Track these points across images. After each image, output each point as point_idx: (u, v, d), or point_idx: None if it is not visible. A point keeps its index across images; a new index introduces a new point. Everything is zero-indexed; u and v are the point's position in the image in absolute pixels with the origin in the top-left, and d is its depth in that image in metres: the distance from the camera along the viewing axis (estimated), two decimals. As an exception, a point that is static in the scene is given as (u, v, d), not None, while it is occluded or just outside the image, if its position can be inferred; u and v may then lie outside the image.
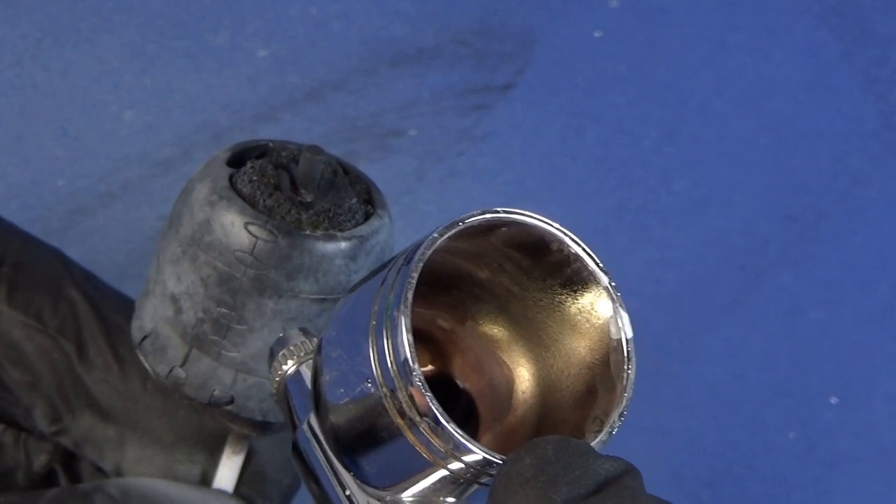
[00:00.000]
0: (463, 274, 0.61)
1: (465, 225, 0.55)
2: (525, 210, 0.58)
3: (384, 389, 0.52)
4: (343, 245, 0.73)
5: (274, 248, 0.73)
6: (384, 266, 0.58)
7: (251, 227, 0.72)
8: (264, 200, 0.74)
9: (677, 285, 1.22)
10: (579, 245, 0.58)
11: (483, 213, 0.56)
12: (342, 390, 0.57)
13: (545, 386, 0.61)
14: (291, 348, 0.67)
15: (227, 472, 0.81)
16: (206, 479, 0.82)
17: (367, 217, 0.76)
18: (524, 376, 0.62)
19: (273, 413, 0.77)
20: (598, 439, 0.54)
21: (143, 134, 1.23)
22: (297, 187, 0.75)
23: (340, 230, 0.74)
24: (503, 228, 0.57)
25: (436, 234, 0.55)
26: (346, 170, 0.79)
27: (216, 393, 0.76)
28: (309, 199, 0.75)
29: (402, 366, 0.52)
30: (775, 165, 1.28)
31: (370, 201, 0.78)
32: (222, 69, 1.27)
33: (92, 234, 1.16)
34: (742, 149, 1.28)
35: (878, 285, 1.24)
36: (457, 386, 0.62)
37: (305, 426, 0.63)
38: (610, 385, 0.56)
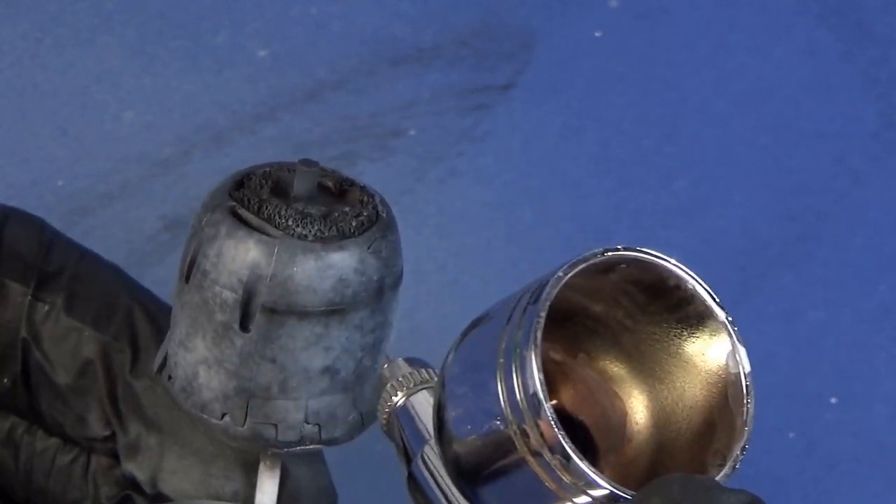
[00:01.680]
0: (577, 307, 0.62)
1: (588, 263, 0.56)
2: (645, 248, 0.58)
3: (514, 427, 0.53)
4: (351, 253, 0.74)
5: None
6: (504, 304, 0.59)
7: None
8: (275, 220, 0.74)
9: (677, 285, 1.22)
10: (697, 281, 0.59)
11: (605, 252, 0.57)
12: (469, 427, 0.58)
13: (659, 418, 0.61)
14: (400, 379, 0.67)
15: (268, 490, 0.81)
16: (242, 498, 0.82)
17: (372, 224, 0.76)
18: (638, 408, 0.62)
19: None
20: (721, 473, 0.55)
21: (142, 134, 1.23)
22: (296, 201, 0.75)
23: (346, 238, 0.74)
24: (622, 266, 0.58)
25: (560, 273, 0.56)
26: (343, 179, 0.79)
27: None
28: (311, 212, 0.75)
29: (533, 402, 0.52)
30: (775, 165, 1.28)
31: (373, 208, 0.78)
32: (222, 69, 1.27)
33: (92, 233, 1.16)
34: (742, 149, 1.28)
35: (877, 285, 1.24)
36: (572, 417, 0.63)
37: (420, 459, 0.64)
38: (729, 418, 0.57)
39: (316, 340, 0.74)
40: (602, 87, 1.29)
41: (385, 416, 0.67)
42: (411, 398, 0.67)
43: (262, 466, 0.81)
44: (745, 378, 0.57)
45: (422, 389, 0.67)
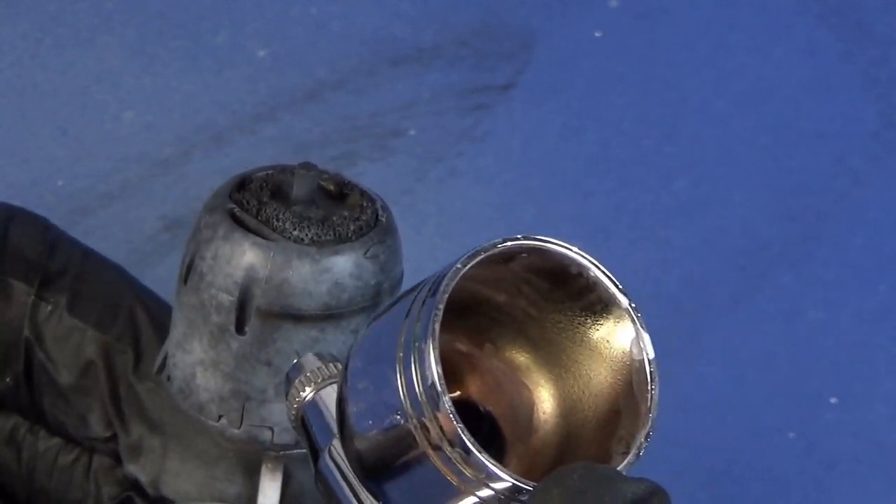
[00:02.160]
0: (480, 298, 0.61)
1: (486, 254, 0.56)
2: (545, 237, 0.58)
3: (413, 420, 0.53)
4: (347, 257, 0.73)
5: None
6: (404, 296, 0.58)
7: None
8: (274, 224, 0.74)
9: (677, 285, 1.22)
10: (599, 268, 0.58)
11: (504, 242, 0.56)
12: (370, 421, 0.57)
13: (566, 406, 0.61)
14: (308, 375, 0.67)
15: (270, 494, 0.81)
16: (243, 500, 0.82)
17: (370, 228, 0.76)
18: (544, 397, 0.62)
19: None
20: (625, 461, 0.54)
21: (142, 134, 1.23)
22: (295, 204, 0.75)
23: (343, 242, 0.74)
24: (523, 255, 0.58)
25: (459, 265, 0.55)
26: (345, 182, 0.79)
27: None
28: (309, 215, 0.75)
29: (432, 396, 0.52)
30: (775, 165, 1.28)
31: (373, 213, 0.78)
32: (222, 69, 1.27)
33: (92, 234, 1.16)
34: (742, 149, 1.28)
35: (877, 285, 1.24)
36: (478, 408, 0.62)
37: (327, 453, 0.63)
38: (634, 405, 0.56)
39: (311, 344, 0.74)
40: (602, 87, 1.29)
41: (294, 411, 0.67)
42: (320, 392, 0.66)
43: (263, 469, 0.81)
44: (650, 364, 0.56)
45: (331, 384, 0.66)
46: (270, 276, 0.73)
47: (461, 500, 0.53)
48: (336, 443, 0.62)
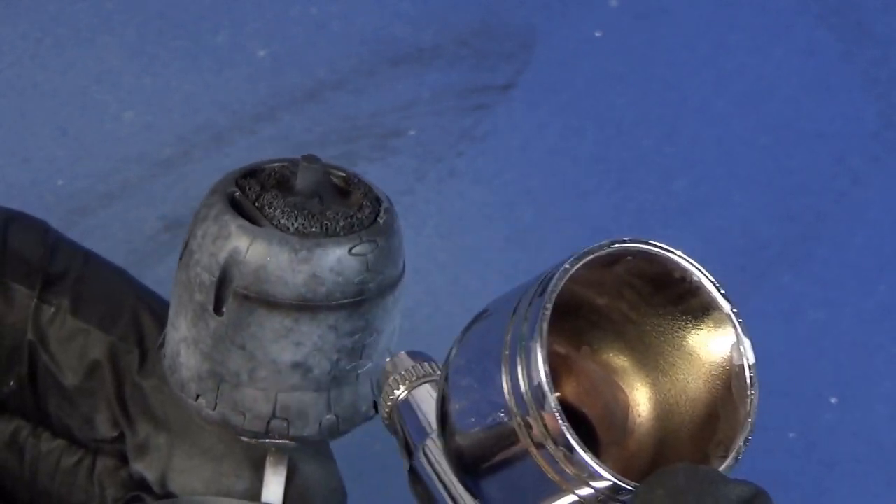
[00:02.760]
0: (581, 300, 0.62)
1: (594, 256, 0.56)
2: (652, 240, 0.58)
3: (518, 418, 0.54)
4: (329, 252, 0.73)
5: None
6: (509, 296, 0.59)
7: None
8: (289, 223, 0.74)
9: (677, 285, 1.22)
10: (703, 273, 0.59)
11: (613, 244, 0.57)
12: (473, 419, 0.58)
13: (662, 410, 0.61)
14: (403, 373, 0.68)
15: (273, 488, 0.81)
16: (252, 495, 0.82)
17: (362, 227, 0.76)
18: (640, 401, 0.62)
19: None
20: (724, 465, 0.54)
21: (142, 134, 1.23)
22: (297, 195, 0.75)
23: (328, 236, 0.74)
24: (629, 258, 0.58)
25: (567, 265, 0.56)
26: (352, 179, 0.78)
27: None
28: (306, 207, 0.75)
29: (537, 395, 0.53)
30: (775, 165, 1.28)
31: (372, 212, 0.77)
32: (222, 69, 1.27)
33: (92, 233, 1.16)
34: (742, 149, 1.28)
35: (877, 285, 1.24)
36: (575, 410, 0.62)
37: (421, 452, 0.64)
38: (733, 410, 0.57)
39: (285, 333, 0.74)
40: (602, 87, 1.29)
41: (387, 410, 0.67)
42: (413, 392, 0.67)
43: (267, 462, 0.81)
44: (750, 370, 0.57)
45: (424, 383, 0.67)
46: (248, 260, 0.73)
47: (560, 498, 0.54)
48: (430, 442, 0.63)
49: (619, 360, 0.63)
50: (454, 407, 0.59)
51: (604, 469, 0.52)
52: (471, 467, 0.59)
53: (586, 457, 0.52)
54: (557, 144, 1.26)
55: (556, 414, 0.52)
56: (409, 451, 0.66)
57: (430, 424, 0.64)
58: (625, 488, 0.52)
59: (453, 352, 0.61)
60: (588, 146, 1.27)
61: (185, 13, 1.30)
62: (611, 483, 0.52)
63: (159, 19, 1.29)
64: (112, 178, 1.20)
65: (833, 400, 1.19)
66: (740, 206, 1.26)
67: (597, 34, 1.31)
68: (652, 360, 0.62)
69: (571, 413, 0.60)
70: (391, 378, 0.68)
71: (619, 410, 0.62)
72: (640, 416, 0.62)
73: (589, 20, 1.32)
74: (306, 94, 1.26)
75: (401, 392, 0.67)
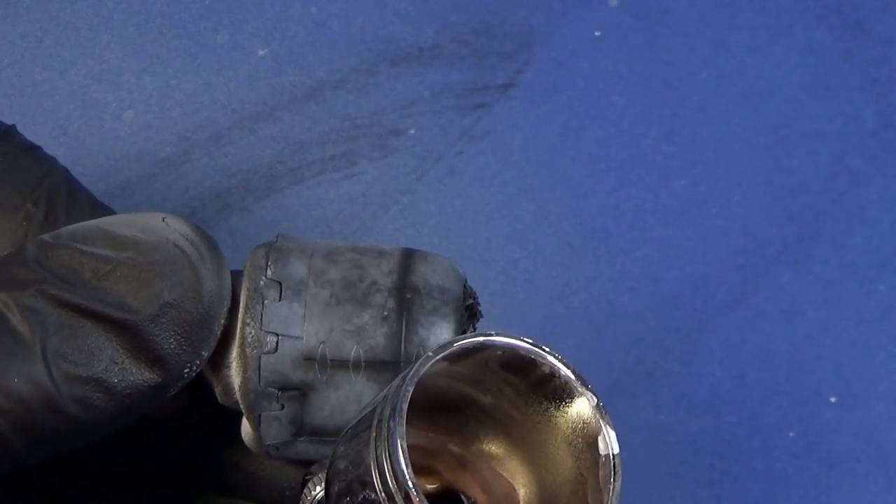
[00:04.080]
0: (468, 400, 0.66)
1: (458, 346, 0.60)
2: (522, 336, 0.62)
3: (383, 495, 0.57)
4: None
5: None
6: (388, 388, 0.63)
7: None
8: None
9: (677, 285, 1.22)
10: (566, 367, 0.63)
11: (478, 337, 0.61)
12: (348, 499, 0.61)
13: (545, 502, 0.65)
14: (321, 475, 0.72)
15: None
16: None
17: None
18: (526, 494, 0.67)
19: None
20: None
21: (142, 133, 1.23)
22: None
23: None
24: (498, 352, 0.62)
25: (430, 353, 0.60)
26: None
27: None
28: None
29: (397, 472, 0.56)
30: (775, 165, 1.28)
31: None
32: (222, 68, 1.27)
33: (92, 233, 1.16)
34: (742, 149, 1.28)
35: (877, 285, 1.24)
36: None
37: None
38: (598, 499, 0.61)
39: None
40: (602, 86, 1.29)
41: None
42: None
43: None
44: (614, 459, 0.61)
45: None
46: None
47: None
48: None
49: (507, 456, 0.67)
50: (334, 489, 0.63)
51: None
52: None
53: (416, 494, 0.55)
54: (557, 144, 1.26)
55: (413, 489, 0.55)
56: None
57: None
58: None
59: (338, 442, 0.65)
60: (588, 146, 1.27)
61: (186, 12, 1.30)
62: None
63: (159, 18, 1.29)
64: (112, 178, 1.20)
65: (833, 399, 1.19)
66: (740, 206, 1.26)
67: (596, 34, 1.31)
68: (535, 455, 0.66)
69: None
70: (311, 480, 0.72)
71: None
72: None
73: (589, 20, 1.32)
74: (306, 94, 1.26)
75: (317, 492, 0.71)
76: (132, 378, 0.67)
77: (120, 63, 1.27)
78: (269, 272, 0.75)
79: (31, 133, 0.92)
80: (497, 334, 0.61)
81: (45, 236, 0.69)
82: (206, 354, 0.70)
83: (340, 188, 1.22)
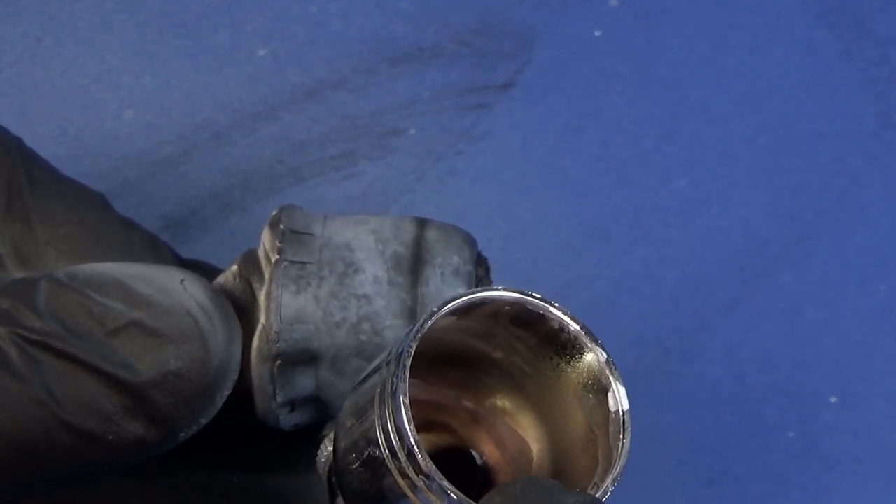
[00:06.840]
0: (480, 355, 0.66)
1: (463, 301, 0.61)
2: (531, 291, 0.62)
3: (386, 451, 0.58)
4: None
5: None
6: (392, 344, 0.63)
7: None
8: None
9: (677, 285, 1.22)
10: (576, 322, 0.63)
11: (483, 291, 0.61)
12: (353, 455, 0.61)
13: (558, 458, 0.66)
14: (333, 434, 0.71)
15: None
16: None
17: None
18: (539, 450, 0.67)
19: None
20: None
21: (142, 133, 1.23)
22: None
23: None
24: (506, 308, 0.62)
25: (435, 308, 0.60)
26: None
27: None
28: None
29: (401, 429, 0.56)
30: (775, 165, 1.28)
31: None
32: (222, 68, 1.27)
33: (92, 233, 1.16)
34: (742, 148, 1.28)
35: (877, 285, 1.24)
36: (483, 461, 0.68)
37: (339, 500, 0.67)
38: (608, 454, 0.61)
39: None
40: (602, 86, 1.29)
41: (321, 468, 0.72)
42: None
43: None
44: (623, 416, 0.61)
45: None
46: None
47: None
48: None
49: (520, 412, 0.68)
50: (340, 445, 0.63)
51: (451, 490, 0.56)
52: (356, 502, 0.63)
53: (430, 464, 0.56)
54: (557, 144, 1.26)
55: (415, 444, 0.56)
56: (333, 498, 0.70)
57: None
58: (465, 501, 0.56)
59: (346, 399, 0.65)
60: (588, 146, 1.27)
61: (185, 12, 1.30)
62: (456, 499, 0.56)
63: (159, 18, 1.29)
64: (112, 178, 1.20)
65: (833, 399, 1.19)
66: (740, 206, 1.26)
67: (596, 33, 1.31)
68: (547, 410, 0.66)
69: (480, 466, 0.67)
70: (326, 438, 0.72)
71: (523, 460, 0.67)
72: (540, 467, 0.66)
73: (589, 20, 1.32)
74: (306, 93, 1.26)
75: (330, 450, 0.71)
76: (126, 435, 0.67)
77: (120, 63, 1.27)
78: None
79: (31, 133, 0.92)
80: (504, 289, 0.61)
81: (60, 275, 0.69)
82: (204, 422, 0.71)
83: (340, 188, 1.22)
